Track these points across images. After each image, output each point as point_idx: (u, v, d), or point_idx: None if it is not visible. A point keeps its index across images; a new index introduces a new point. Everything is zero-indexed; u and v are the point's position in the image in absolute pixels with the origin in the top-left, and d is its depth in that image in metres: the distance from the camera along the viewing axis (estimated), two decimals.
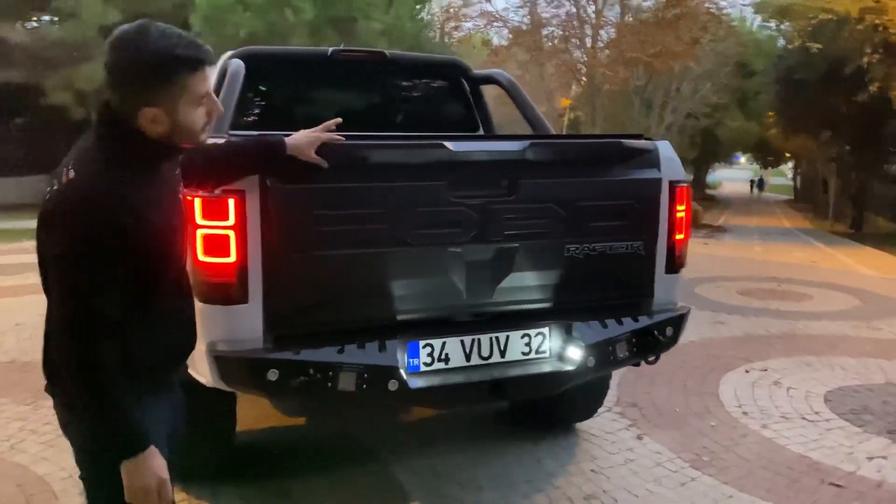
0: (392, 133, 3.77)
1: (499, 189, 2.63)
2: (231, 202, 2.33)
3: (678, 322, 2.96)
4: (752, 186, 53.95)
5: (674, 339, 2.96)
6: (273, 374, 2.36)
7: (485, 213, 2.59)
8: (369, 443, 3.81)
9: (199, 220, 2.36)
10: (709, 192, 46.38)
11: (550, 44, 17.72)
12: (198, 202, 2.35)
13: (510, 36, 18.51)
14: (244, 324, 2.42)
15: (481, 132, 4.42)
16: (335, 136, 2.36)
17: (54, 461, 3.57)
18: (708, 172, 48.15)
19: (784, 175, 77.73)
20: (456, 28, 18.57)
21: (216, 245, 2.36)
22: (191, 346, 1.88)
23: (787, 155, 44.12)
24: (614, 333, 2.78)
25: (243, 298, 2.39)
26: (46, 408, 4.01)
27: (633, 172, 2.83)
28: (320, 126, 2.36)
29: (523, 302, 2.75)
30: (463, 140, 2.61)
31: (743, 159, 67.39)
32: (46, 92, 16.90)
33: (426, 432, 4.00)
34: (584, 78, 16.95)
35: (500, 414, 4.14)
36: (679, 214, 2.97)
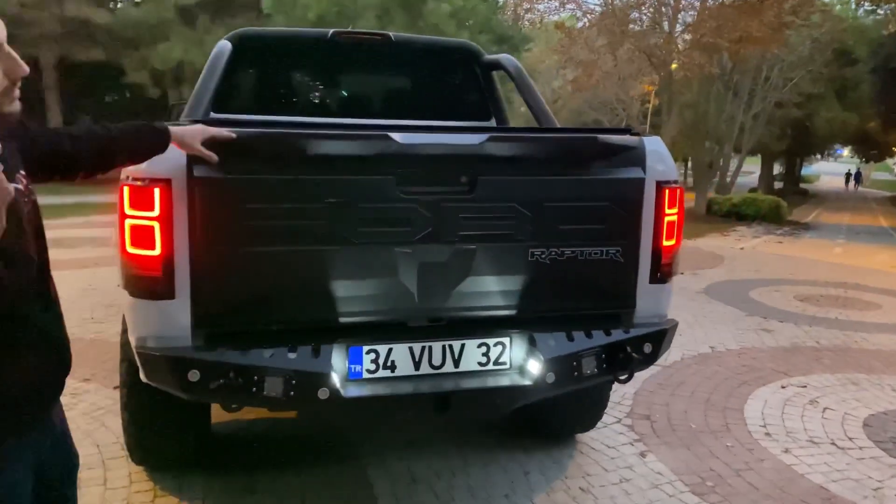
0: (338, 122, 3.62)
1: (455, 186, 2.42)
2: (156, 192, 2.22)
3: (658, 338, 2.68)
4: (846, 180, 50.96)
5: (652, 357, 2.68)
6: (194, 375, 2.24)
7: (438, 212, 2.39)
8: (354, 440, 3.69)
9: (126, 209, 2.27)
10: (803, 186, 44.13)
11: (633, 27, 17.05)
12: (126, 191, 2.26)
13: (586, 19, 17.94)
14: (172, 320, 2.31)
15: (493, 122, 4.19)
16: (224, 131, 2.21)
17: None
18: (801, 165, 45.77)
19: (890, 170, 73.03)
20: (528, 10, 18.12)
21: (142, 237, 2.26)
22: (62, 372, 1.61)
23: (894, 149, 41.35)
24: (580, 348, 2.53)
25: (170, 294, 2.28)
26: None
27: (611, 171, 2.56)
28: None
29: (482, 308, 2.54)
30: (413, 131, 2.41)
31: (845, 152, 63.69)
32: (126, 71, 17.56)
33: (414, 433, 3.84)
34: (659, 65, 16.22)
35: (498, 419, 3.93)
36: (669, 218, 2.68)
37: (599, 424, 3.96)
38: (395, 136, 2.32)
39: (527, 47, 24.62)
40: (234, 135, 2.23)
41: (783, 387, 4.77)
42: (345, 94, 4.27)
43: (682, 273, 8.87)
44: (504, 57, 3.82)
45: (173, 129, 2.10)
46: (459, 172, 2.41)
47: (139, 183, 2.23)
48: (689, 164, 25.68)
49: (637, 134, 2.67)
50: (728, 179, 26.10)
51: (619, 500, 3.23)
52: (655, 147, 2.65)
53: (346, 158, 2.33)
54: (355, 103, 4.23)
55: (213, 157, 2.18)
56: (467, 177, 2.42)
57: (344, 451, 3.59)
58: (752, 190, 29.10)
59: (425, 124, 2.57)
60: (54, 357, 1.57)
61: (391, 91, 4.30)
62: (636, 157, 2.59)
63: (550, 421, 3.65)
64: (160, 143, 2.07)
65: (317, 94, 4.13)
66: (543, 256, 2.51)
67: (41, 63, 18.22)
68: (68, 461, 1.77)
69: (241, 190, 2.27)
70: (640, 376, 4.80)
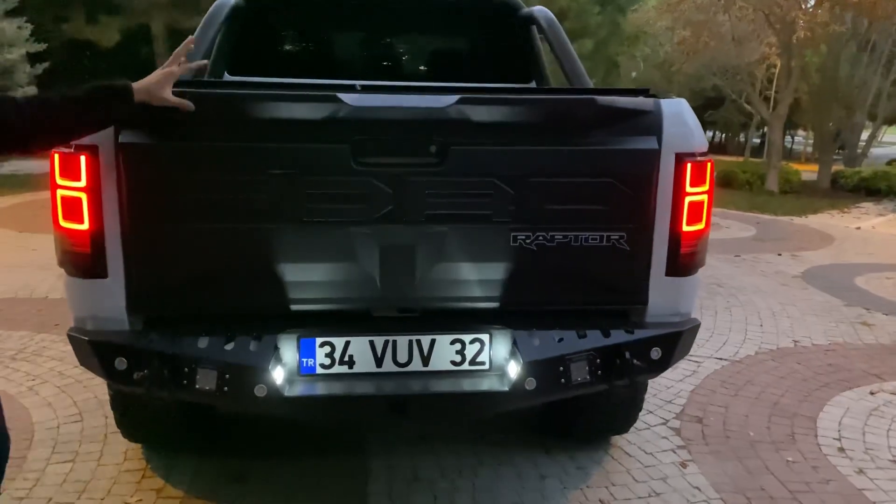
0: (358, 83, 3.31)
1: (422, 156, 2.07)
2: (82, 160, 2.00)
3: (669, 342, 2.23)
4: None
5: (661, 364, 2.24)
6: (121, 363, 2.04)
7: (400, 187, 2.06)
8: (363, 431, 3.43)
9: (57, 179, 2.07)
10: None
11: None
12: (56, 158, 2.06)
13: None
14: (105, 301, 2.11)
15: (533, 84, 3.76)
16: (189, 65, 1.97)
17: (56, 408, 3.60)
18: None
19: None
20: None
21: (71, 209, 2.06)
22: None
23: None
24: (569, 350, 2.14)
25: (101, 272, 2.08)
26: None
27: (616, 140, 2.13)
28: (171, 58, 1.97)
29: (456, 300, 2.19)
30: (369, 93, 2.06)
31: None
32: None
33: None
34: (777, 24, 14.79)
35: (527, 414, 3.56)
36: (692, 198, 2.22)
37: (641, 425, 3.53)
38: (347, 97, 1.99)
39: (633, 7, 23.27)
40: (201, 67, 2.01)
41: (872, 393, 4.11)
42: (367, 53, 3.95)
43: (779, 254, 8.07)
44: (537, 9, 3.37)
45: (136, 84, 1.90)
46: (427, 140, 2.06)
47: (66, 150, 2.02)
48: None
49: (654, 95, 2.21)
50: (859, 150, 23.85)
51: None
52: (676, 111, 2.19)
53: (291, 123, 2.03)
54: (378, 63, 3.91)
55: (188, 104, 1.95)
56: (437, 146, 2.06)
57: (351, 441, 3.34)
58: (891, 162, 26.49)
59: (440, 86, 2.21)
60: None
61: (420, 49, 3.94)
62: (650, 123, 2.14)
63: (576, 420, 3.24)
64: (122, 102, 1.88)
65: (337, 53, 3.83)
66: (529, 241, 2.13)
67: (153, 31, 18.99)
68: None
69: (173, 159, 2.02)
70: (702, 371, 4.29)
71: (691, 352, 4.62)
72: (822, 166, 18.75)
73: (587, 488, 3.02)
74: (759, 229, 10.04)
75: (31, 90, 11.36)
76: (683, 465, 3.24)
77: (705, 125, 52.70)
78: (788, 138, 40.24)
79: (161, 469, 3.05)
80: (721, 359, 4.55)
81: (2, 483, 1.57)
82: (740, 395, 4.00)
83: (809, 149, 42.06)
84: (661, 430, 3.56)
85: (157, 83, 1.92)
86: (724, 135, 50.27)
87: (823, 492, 3.04)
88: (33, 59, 13.19)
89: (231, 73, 3.64)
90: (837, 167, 19.36)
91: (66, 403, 3.66)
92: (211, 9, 3.06)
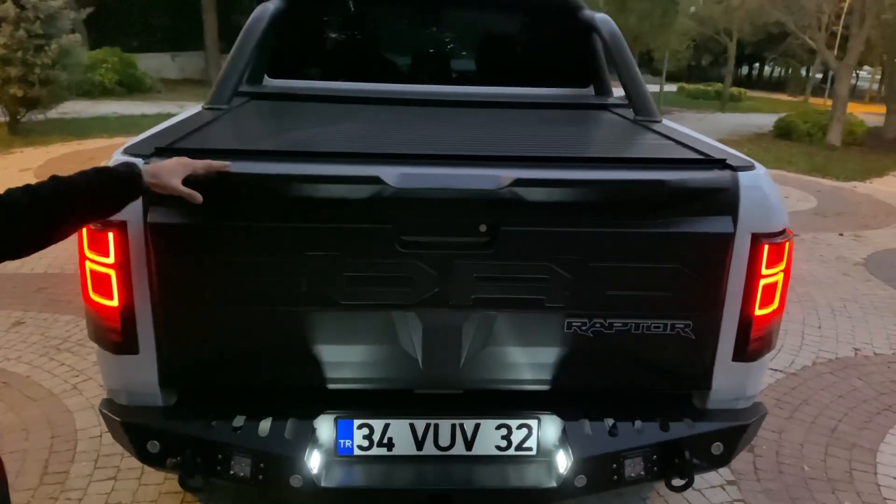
0: (408, 88, 3.09)
1: (470, 237, 1.90)
2: (110, 237, 1.89)
3: (732, 437, 2.07)
4: None
5: (723, 460, 2.09)
6: (153, 447, 1.97)
7: (446, 269, 1.90)
8: None
9: (86, 251, 1.97)
10: None
11: None
12: (84, 232, 1.95)
13: None
14: (137, 377, 2.03)
15: (590, 90, 3.50)
16: (214, 164, 1.79)
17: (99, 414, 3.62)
18: None
19: None
20: None
21: (100, 284, 1.96)
22: None
23: None
24: (625, 446, 2.00)
25: (132, 348, 1.99)
26: None
27: (686, 222, 1.91)
28: (201, 162, 1.80)
29: (502, 382, 2.05)
30: (413, 166, 1.88)
31: None
32: None
33: None
34: None
35: None
36: (767, 280, 2.01)
37: None
38: (389, 178, 1.82)
39: None
40: (227, 164, 1.83)
41: None
42: (415, 53, 3.71)
43: (841, 234, 7.67)
44: (599, 17, 3.08)
45: (146, 169, 1.72)
46: (476, 220, 1.88)
47: (94, 225, 1.91)
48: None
49: (732, 167, 1.98)
50: None
51: None
52: (755, 184, 1.96)
53: (328, 203, 1.87)
54: (427, 66, 3.67)
55: (197, 196, 1.78)
56: (487, 226, 1.88)
57: None
58: None
59: (494, 156, 2.02)
60: None
61: (471, 49, 3.68)
62: (725, 202, 1.92)
63: None
64: (130, 191, 1.70)
65: (382, 53, 3.60)
66: (585, 328, 1.96)
67: None
68: None
69: (204, 238, 1.89)
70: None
71: None
72: (889, 114, 17.76)
73: None
74: (819, 200, 9.56)
75: (76, 38, 11.29)
76: None
77: (764, 61, 50.47)
78: (853, 74, 38.29)
79: (201, 493, 3.04)
80: (776, 370, 4.36)
81: None
82: (795, 417, 3.83)
83: (875, 86, 40.07)
84: None
85: (170, 171, 1.75)
86: (784, 71, 48.10)
87: None
88: (77, 3, 13.02)
89: (272, 77, 3.45)
90: None
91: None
92: (253, 14, 2.87)
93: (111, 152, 1.92)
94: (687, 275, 1.93)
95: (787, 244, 2.01)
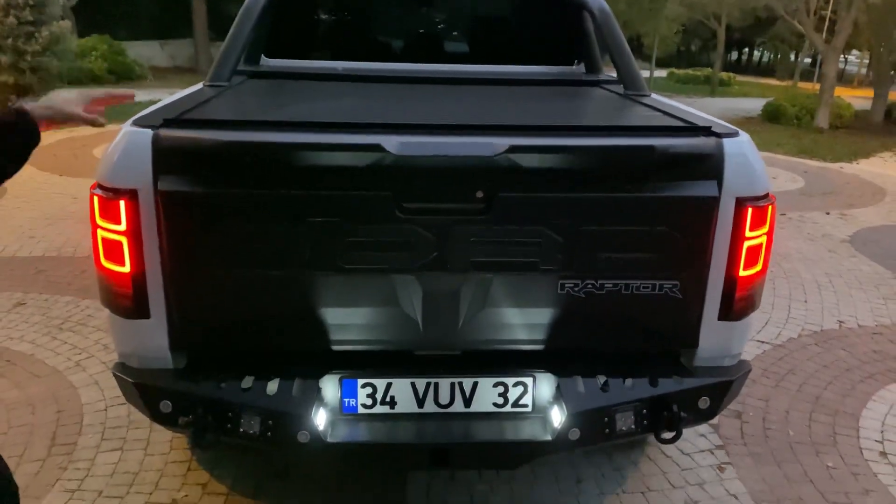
0: (401, 67, 3.15)
1: (469, 203, 1.99)
2: (122, 204, 1.96)
3: (718, 392, 2.18)
4: None
5: (709, 413, 2.20)
6: (165, 407, 2.06)
7: (444, 234, 1.99)
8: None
9: (97, 220, 2.04)
10: None
11: None
12: (95, 200, 2.02)
13: None
14: (148, 341, 2.11)
15: (581, 68, 3.58)
16: (114, 91, 1.86)
17: (103, 388, 3.69)
18: None
19: None
20: None
21: (112, 251, 2.03)
22: None
23: None
24: (616, 400, 2.10)
25: (143, 313, 2.07)
26: None
27: (674, 187, 2.01)
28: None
29: (500, 345, 2.15)
30: (411, 135, 1.96)
31: None
32: None
33: None
34: None
35: None
36: (751, 242, 2.11)
37: None
38: (389, 145, 1.90)
39: None
40: (132, 93, 1.91)
41: None
42: (408, 31, 3.78)
43: (827, 213, 7.81)
44: None
45: (35, 105, 1.65)
46: (472, 187, 1.97)
47: (105, 193, 1.98)
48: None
49: (716, 134, 2.07)
50: None
51: None
52: (739, 151, 2.05)
53: (331, 171, 1.95)
54: (419, 42, 3.74)
55: (100, 120, 1.77)
56: (483, 192, 1.97)
57: None
58: None
59: (490, 125, 2.10)
60: None
61: (464, 29, 3.76)
62: (711, 167, 2.02)
63: None
64: (22, 131, 1.59)
65: (377, 32, 3.67)
66: (577, 289, 2.06)
67: None
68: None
69: (212, 206, 1.96)
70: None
71: None
72: (876, 98, 17.91)
73: (623, 493, 3.04)
74: (806, 180, 9.70)
75: (66, 25, 11.27)
76: (721, 468, 3.23)
77: (754, 46, 50.57)
78: (842, 58, 38.42)
79: (206, 462, 3.12)
80: (763, 342, 4.48)
81: None
82: (781, 386, 3.95)
83: (864, 70, 40.28)
84: (700, 427, 3.53)
85: (67, 100, 1.71)
86: (773, 55, 48.24)
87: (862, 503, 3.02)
88: None
89: (269, 56, 3.52)
90: (895, 95, 18.50)
91: (113, 383, 3.67)
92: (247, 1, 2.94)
93: (103, 139, 1.95)
94: (674, 237, 2.03)
95: (770, 208, 2.11)
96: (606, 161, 1.98)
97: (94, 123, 1.76)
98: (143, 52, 22.03)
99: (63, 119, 1.70)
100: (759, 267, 2.17)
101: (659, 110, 2.51)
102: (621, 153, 1.98)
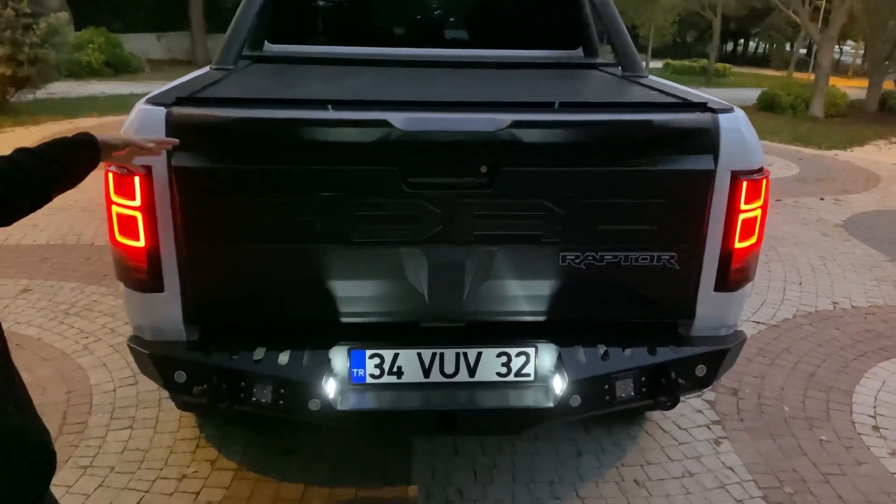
0: (402, 52, 3.20)
1: (471, 178, 2.05)
2: (136, 180, 2.03)
3: (715, 360, 2.25)
4: None
5: (706, 381, 2.27)
6: (180, 377, 2.12)
7: (449, 208, 2.06)
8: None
9: (112, 196, 2.10)
10: None
11: None
12: (110, 177, 2.09)
13: None
14: (162, 313, 2.18)
15: (580, 52, 3.64)
16: (160, 140, 1.93)
17: (111, 369, 3.76)
18: None
19: None
20: None
21: (126, 226, 2.10)
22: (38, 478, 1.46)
23: None
24: (615, 368, 2.17)
25: (157, 287, 2.13)
26: None
27: (671, 161, 2.08)
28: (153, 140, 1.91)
29: (503, 314, 2.22)
30: (418, 112, 2.03)
31: None
32: None
33: None
34: None
35: None
36: (746, 215, 2.18)
37: None
38: (396, 121, 1.97)
39: None
40: (175, 141, 1.95)
41: None
42: (410, 17, 3.84)
43: (822, 199, 7.89)
44: None
45: (101, 137, 1.75)
46: (476, 162, 2.03)
47: (119, 170, 2.04)
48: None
49: (712, 110, 2.14)
50: None
51: (675, 501, 2.91)
52: (734, 126, 2.12)
53: (340, 146, 2.01)
54: (421, 28, 3.80)
55: (156, 151, 1.90)
56: (487, 167, 2.04)
57: None
58: None
59: (493, 102, 2.16)
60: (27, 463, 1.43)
61: (465, 15, 3.81)
62: (707, 142, 2.09)
63: None
64: (92, 156, 1.70)
65: (379, 18, 3.73)
66: (577, 261, 2.12)
67: None
68: None
69: (225, 181, 2.03)
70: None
71: None
72: (871, 87, 18.00)
73: (622, 467, 3.11)
74: (801, 167, 9.79)
75: (64, 16, 11.29)
76: (717, 442, 3.31)
77: (750, 37, 50.60)
78: (837, 48, 38.48)
79: (214, 439, 3.20)
80: (759, 322, 4.56)
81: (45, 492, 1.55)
82: (777, 364, 4.03)
83: (859, 60, 40.36)
84: (697, 403, 3.62)
85: (117, 148, 1.80)
86: (769, 46, 48.25)
87: (855, 475, 3.10)
88: None
89: (272, 42, 3.58)
90: (889, 84, 18.59)
91: (121, 364, 3.82)
92: None
93: (103, 131, 2.01)
94: (671, 210, 2.10)
95: (765, 181, 2.18)
96: (605, 136, 2.05)
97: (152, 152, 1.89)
98: (139, 44, 22.03)
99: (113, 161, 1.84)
100: (754, 239, 2.24)
101: (656, 89, 2.58)
102: (620, 128, 2.05)
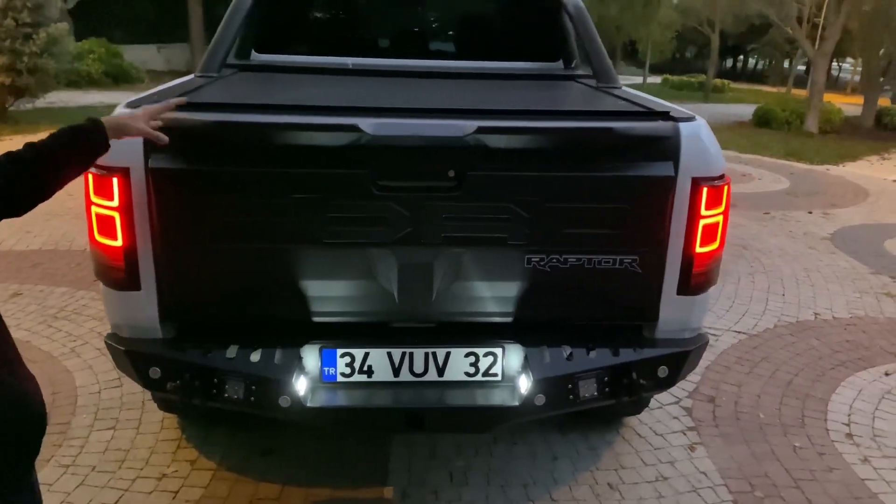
0: (387, 63, 3.28)
1: (440, 181, 2.12)
2: (115, 181, 2.09)
3: (676, 361, 2.31)
4: None
5: (668, 382, 2.33)
6: (154, 373, 2.18)
7: (418, 211, 2.12)
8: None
9: (91, 197, 2.17)
10: None
11: None
12: (90, 178, 2.15)
13: None
14: (139, 312, 2.24)
15: (560, 64, 3.72)
16: (170, 101, 2.04)
17: (97, 372, 3.81)
18: None
19: None
20: None
21: (105, 226, 2.16)
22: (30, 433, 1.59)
23: None
24: (578, 368, 2.23)
25: (134, 285, 2.20)
26: None
27: (633, 167, 2.15)
28: (160, 104, 2.01)
29: (470, 315, 2.28)
30: (387, 117, 2.10)
31: None
32: None
33: None
34: None
35: None
36: (707, 220, 2.24)
37: (654, 404, 3.64)
38: (364, 125, 2.04)
39: None
40: (183, 99, 2.05)
41: (887, 374, 4.16)
42: (395, 28, 3.93)
43: (810, 212, 7.96)
44: None
45: (108, 122, 1.86)
46: (445, 166, 2.10)
47: (99, 171, 2.11)
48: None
49: (673, 118, 2.21)
50: None
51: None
52: (695, 133, 2.19)
53: (312, 150, 2.08)
54: (405, 39, 3.88)
55: (163, 138, 1.96)
56: (455, 171, 2.10)
57: None
58: None
59: (460, 109, 2.24)
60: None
61: (448, 27, 3.90)
62: (668, 149, 2.15)
63: None
64: (97, 142, 1.80)
65: (364, 28, 3.81)
66: (542, 263, 2.19)
67: None
68: None
69: (201, 182, 2.10)
70: (718, 347, 4.36)
71: (710, 323, 4.68)
72: (866, 103, 18.15)
73: (597, 471, 3.16)
74: (792, 181, 9.87)
75: (64, 26, 11.42)
76: (692, 448, 3.35)
77: (749, 53, 50.91)
78: (835, 66, 38.77)
79: (195, 439, 3.25)
80: (740, 332, 4.61)
81: (36, 455, 1.65)
82: (755, 373, 4.08)
83: (857, 77, 40.64)
84: (673, 410, 3.67)
85: (134, 117, 1.90)
86: (767, 62, 48.56)
87: (826, 480, 3.14)
88: None
89: (259, 52, 3.66)
90: (885, 101, 18.72)
91: (107, 367, 3.86)
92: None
93: None
94: (633, 214, 2.16)
95: (725, 188, 2.25)
96: (569, 142, 2.12)
97: (158, 140, 1.94)
98: (139, 55, 22.21)
99: (134, 134, 1.89)
100: (716, 244, 2.30)
101: (625, 99, 2.65)
102: (582, 135, 2.12)
